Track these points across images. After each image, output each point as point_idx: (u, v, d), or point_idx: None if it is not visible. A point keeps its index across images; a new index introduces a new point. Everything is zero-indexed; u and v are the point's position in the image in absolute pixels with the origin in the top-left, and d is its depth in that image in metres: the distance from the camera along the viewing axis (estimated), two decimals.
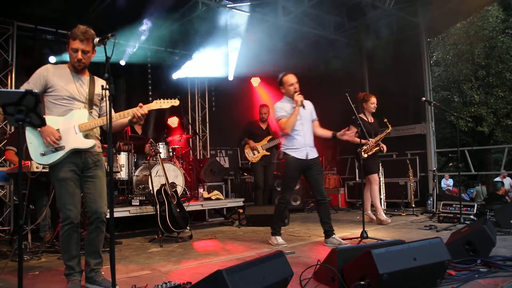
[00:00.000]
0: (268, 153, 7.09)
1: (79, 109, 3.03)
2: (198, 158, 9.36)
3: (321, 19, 8.64)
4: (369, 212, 6.36)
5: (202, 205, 6.52)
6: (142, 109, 3.07)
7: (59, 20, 7.01)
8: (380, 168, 6.55)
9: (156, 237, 5.10)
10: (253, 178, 7.86)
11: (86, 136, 3.04)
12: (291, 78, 4.58)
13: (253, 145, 7.01)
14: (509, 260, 3.27)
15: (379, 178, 6.60)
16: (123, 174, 6.28)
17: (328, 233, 4.52)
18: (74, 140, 2.97)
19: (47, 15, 6.84)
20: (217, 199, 6.84)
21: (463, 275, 2.95)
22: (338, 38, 9.12)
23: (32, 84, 2.95)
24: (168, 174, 5.52)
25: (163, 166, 5.53)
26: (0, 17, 6.63)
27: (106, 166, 3.24)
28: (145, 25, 7.17)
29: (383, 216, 6.05)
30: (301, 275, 2.95)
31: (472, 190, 14.66)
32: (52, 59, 7.17)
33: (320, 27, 8.76)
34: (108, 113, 2.56)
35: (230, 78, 9.33)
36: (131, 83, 8.56)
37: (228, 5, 7.41)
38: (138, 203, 5.71)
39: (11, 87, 6.63)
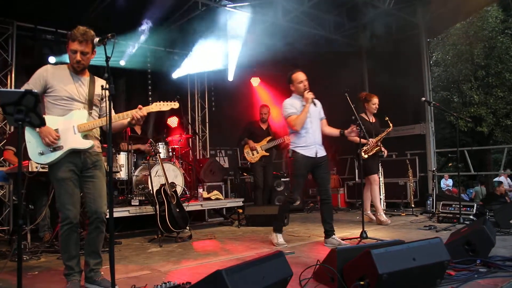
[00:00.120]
0: (268, 154, 7.09)
1: (78, 110, 3.03)
2: (198, 158, 9.35)
3: (320, 19, 8.64)
4: (369, 212, 6.37)
5: (201, 205, 6.52)
6: (141, 111, 3.07)
7: (59, 20, 7.01)
8: (380, 168, 6.55)
9: (156, 237, 5.10)
10: (252, 178, 7.86)
11: (85, 137, 3.04)
12: (300, 76, 4.56)
13: (252, 145, 7.01)
14: (508, 260, 3.27)
15: (379, 178, 6.59)
16: (122, 174, 6.28)
17: (329, 233, 4.51)
18: (73, 140, 2.97)
19: (47, 15, 6.84)
20: (217, 199, 6.84)
21: (463, 275, 2.95)
22: (338, 38, 9.12)
23: (32, 84, 2.95)
24: (167, 174, 5.52)
25: (162, 166, 5.53)
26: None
27: (105, 166, 3.24)
28: (145, 25, 7.17)
29: (383, 216, 6.05)
30: (300, 275, 2.95)
31: (471, 191, 14.67)
32: (52, 59, 7.16)
33: (319, 27, 8.76)
34: (108, 113, 2.56)
35: (230, 78, 9.32)
36: (131, 84, 8.55)
37: (228, 5, 7.42)
38: (137, 203, 5.71)
39: (10, 87, 6.62)
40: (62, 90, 2.99)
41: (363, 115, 6.24)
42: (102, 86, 2.79)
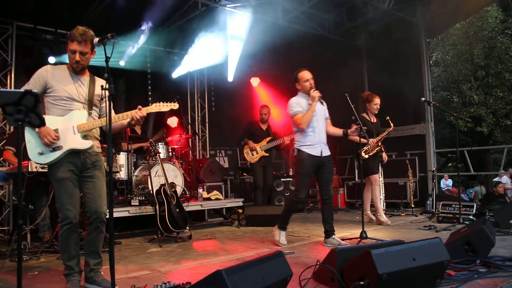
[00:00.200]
0: (267, 154, 7.09)
1: (78, 110, 3.03)
2: (198, 158, 9.35)
3: (320, 19, 8.65)
4: (369, 212, 6.37)
5: (201, 205, 6.52)
6: (141, 112, 3.07)
7: (59, 20, 7.01)
8: (380, 168, 6.55)
9: (156, 237, 5.10)
10: (252, 178, 7.86)
11: (85, 137, 3.04)
12: (306, 74, 4.55)
13: (252, 146, 7.01)
14: (508, 260, 3.27)
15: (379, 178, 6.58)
16: (122, 174, 6.28)
17: (329, 233, 4.51)
18: (72, 141, 2.97)
19: (47, 14, 6.84)
20: (217, 199, 6.84)
21: (463, 275, 2.95)
22: (338, 38, 9.12)
23: (32, 85, 2.96)
24: (167, 174, 5.52)
25: (162, 166, 5.53)
26: None
27: (105, 166, 3.24)
28: (145, 25, 7.17)
29: (383, 217, 6.04)
30: (300, 275, 2.95)
31: (471, 191, 14.67)
32: (51, 59, 7.16)
33: (319, 27, 8.76)
34: (108, 113, 2.56)
35: (230, 79, 9.32)
36: (131, 84, 8.55)
37: (227, 5, 7.42)
38: (137, 203, 5.71)
39: (10, 87, 6.62)
40: (61, 90, 2.99)
41: (365, 115, 6.24)
42: (102, 86, 2.79)
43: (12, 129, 6.41)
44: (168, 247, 4.82)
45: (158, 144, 6.57)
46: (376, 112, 6.26)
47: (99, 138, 3.23)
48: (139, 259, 4.15)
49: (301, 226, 6.15)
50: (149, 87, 8.87)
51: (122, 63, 8.01)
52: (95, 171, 3.09)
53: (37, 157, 2.93)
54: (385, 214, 6.23)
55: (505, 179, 12.40)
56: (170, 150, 7.11)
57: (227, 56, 8.86)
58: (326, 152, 4.55)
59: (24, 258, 4.08)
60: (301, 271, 3.01)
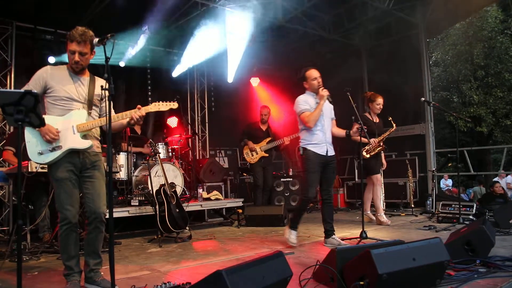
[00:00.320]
0: (267, 155, 7.09)
1: (78, 110, 3.03)
2: (198, 158, 9.36)
3: (320, 19, 8.65)
4: (369, 212, 6.37)
5: (201, 205, 6.51)
6: (140, 111, 3.07)
7: (58, 20, 7.02)
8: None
9: (156, 237, 5.10)
10: (252, 178, 7.86)
11: (84, 137, 3.04)
12: (314, 73, 4.53)
13: (251, 146, 7.01)
14: (508, 260, 3.27)
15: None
16: (122, 174, 6.28)
17: (329, 233, 4.51)
18: (72, 140, 2.97)
19: (46, 15, 6.84)
20: (217, 199, 6.84)
21: (462, 275, 2.95)
22: (337, 38, 9.13)
23: (32, 86, 2.96)
24: (167, 174, 5.51)
25: (162, 166, 5.53)
26: None
27: (105, 166, 3.24)
28: (145, 25, 7.17)
29: (383, 217, 6.04)
30: (300, 275, 2.95)
31: (470, 191, 14.67)
32: (51, 59, 7.17)
33: (319, 27, 8.76)
34: (107, 113, 2.56)
35: (230, 80, 9.32)
36: (131, 84, 8.56)
37: (227, 6, 7.42)
38: (137, 204, 5.71)
39: (10, 87, 6.63)
40: (61, 91, 3.00)
41: (367, 114, 6.23)
42: (101, 86, 2.79)
43: (12, 130, 6.41)
44: (168, 247, 4.81)
45: (158, 144, 6.56)
46: (379, 112, 6.25)
47: (99, 138, 3.23)
48: (139, 259, 4.15)
49: (301, 226, 6.06)
50: (149, 87, 8.88)
51: (122, 64, 8.02)
52: (95, 171, 3.09)
53: (37, 156, 2.93)
54: (385, 214, 6.23)
55: (510, 178, 12.38)
56: (170, 150, 7.11)
57: (227, 56, 8.86)
58: (331, 151, 4.54)
59: (24, 258, 4.09)
60: (301, 271, 3.01)
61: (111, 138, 2.60)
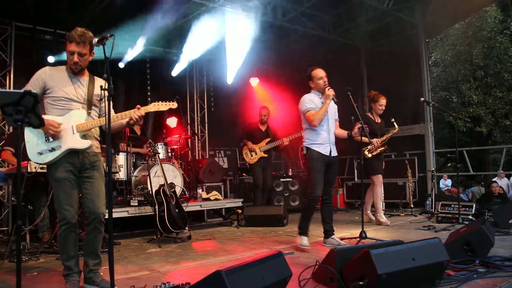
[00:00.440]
0: (266, 155, 7.09)
1: (77, 110, 3.03)
2: (197, 158, 9.35)
3: (319, 19, 8.65)
4: (369, 212, 6.36)
5: (201, 205, 6.51)
6: (140, 111, 3.07)
7: (58, 20, 7.01)
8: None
9: (155, 237, 5.10)
10: (251, 179, 7.86)
11: (84, 137, 3.04)
12: (320, 72, 4.50)
13: (251, 147, 7.02)
14: (507, 260, 3.27)
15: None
16: (121, 175, 6.27)
17: (328, 233, 4.51)
18: (71, 140, 2.97)
19: (46, 15, 6.84)
20: (216, 199, 6.83)
21: (462, 275, 2.95)
22: (337, 38, 9.13)
23: (31, 86, 2.96)
24: (166, 175, 5.51)
25: (161, 166, 5.53)
26: None
27: (104, 167, 3.24)
28: (144, 25, 7.16)
29: (383, 217, 6.03)
30: (300, 276, 2.95)
31: (469, 191, 14.68)
32: (50, 59, 7.16)
33: (318, 27, 8.76)
34: (107, 113, 2.56)
35: (229, 81, 9.32)
36: (130, 84, 8.55)
37: (227, 6, 7.42)
38: (136, 204, 5.70)
39: (9, 88, 6.62)
40: (60, 91, 3.00)
41: (369, 114, 6.23)
42: (101, 87, 2.79)
43: (11, 130, 6.40)
44: (168, 247, 4.81)
45: (157, 145, 6.56)
46: (381, 112, 6.23)
47: (99, 139, 3.24)
48: (139, 260, 4.15)
49: None
50: (148, 87, 8.88)
51: (121, 65, 8.02)
52: (94, 171, 3.09)
53: (36, 156, 2.93)
54: (384, 214, 6.23)
55: (497, 179, 12.39)
56: (169, 151, 7.11)
57: (226, 56, 8.86)
58: (335, 152, 4.52)
59: (23, 259, 4.08)
60: (301, 271, 3.01)
61: (111, 139, 2.59)
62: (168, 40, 8.31)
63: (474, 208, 5.83)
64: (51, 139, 2.94)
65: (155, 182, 5.54)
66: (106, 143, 2.55)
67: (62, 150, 2.94)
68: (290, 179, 8.34)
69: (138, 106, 3.09)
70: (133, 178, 6.35)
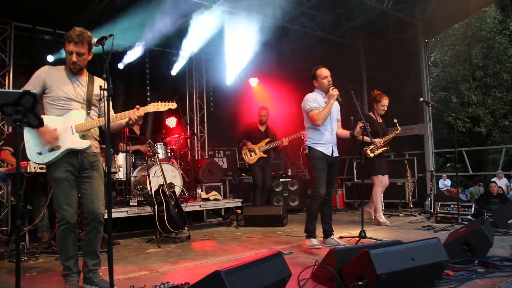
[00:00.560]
0: (265, 155, 7.09)
1: (77, 110, 3.03)
2: (196, 158, 9.35)
3: (319, 19, 8.65)
4: (371, 210, 6.31)
5: (200, 205, 6.51)
6: (139, 112, 3.07)
7: (57, 20, 7.01)
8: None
9: (154, 237, 5.10)
10: (251, 179, 7.86)
11: (83, 137, 3.04)
12: (324, 71, 4.48)
13: (250, 147, 7.02)
14: (506, 260, 3.28)
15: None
16: (121, 175, 6.27)
17: (328, 233, 4.51)
18: (71, 140, 2.97)
19: (45, 15, 6.83)
20: (215, 199, 6.83)
21: (461, 275, 2.95)
22: (336, 38, 9.14)
23: (31, 86, 2.97)
24: (166, 175, 5.51)
25: (161, 166, 5.53)
26: None
27: (104, 167, 3.24)
28: (144, 25, 7.16)
29: (382, 218, 6.02)
30: (299, 276, 2.95)
31: (468, 191, 14.70)
32: (50, 58, 7.15)
33: (318, 27, 8.77)
34: (106, 113, 2.56)
35: (229, 82, 9.31)
36: (130, 85, 8.55)
37: (227, 6, 7.41)
38: (136, 204, 5.70)
39: (8, 88, 6.62)
40: (59, 91, 3.00)
41: (371, 114, 6.22)
42: (100, 87, 2.79)
43: (10, 129, 6.40)
44: (167, 247, 4.81)
45: (156, 145, 6.56)
46: (383, 113, 6.21)
47: (98, 139, 3.23)
48: (138, 260, 4.15)
49: (299, 227, 6.13)
50: (148, 88, 8.87)
51: (121, 66, 8.02)
52: (93, 171, 3.08)
53: (36, 157, 2.93)
54: (383, 214, 6.23)
55: (496, 179, 12.39)
56: (168, 151, 7.10)
57: (226, 56, 8.86)
58: (336, 152, 4.51)
59: (23, 259, 4.07)
60: (300, 271, 3.01)
61: (110, 139, 2.59)
62: (167, 40, 8.29)
63: (473, 208, 5.83)
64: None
65: (154, 182, 5.54)
66: (106, 143, 2.55)
67: (61, 150, 2.94)
68: (290, 179, 8.34)
69: (138, 106, 3.08)
70: (132, 178, 6.34)
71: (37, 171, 4.21)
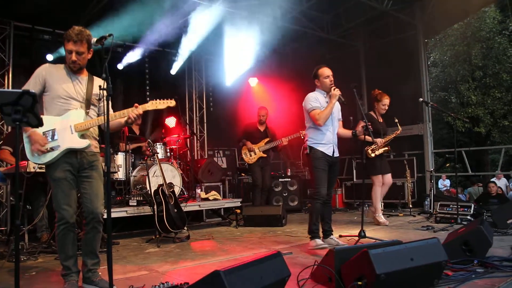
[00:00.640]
0: (265, 155, 7.09)
1: (75, 109, 3.03)
2: (196, 158, 9.35)
3: (318, 19, 8.65)
4: (373, 209, 6.30)
5: (199, 205, 6.51)
6: (137, 110, 3.06)
7: (56, 20, 7.00)
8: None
9: (154, 237, 5.10)
10: (250, 179, 7.85)
11: (82, 136, 3.03)
12: (326, 71, 4.46)
13: (250, 147, 7.03)
14: (505, 260, 3.28)
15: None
16: (120, 175, 6.27)
17: (327, 233, 4.51)
18: (70, 140, 2.97)
19: (44, 15, 6.83)
20: (215, 199, 6.83)
21: (460, 276, 2.96)
22: (336, 38, 9.14)
23: (32, 84, 2.97)
24: (165, 175, 5.51)
25: (160, 166, 5.53)
26: None
27: (103, 166, 3.24)
28: (143, 25, 7.16)
29: (381, 218, 6.02)
30: (298, 276, 2.96)
31: (467, 191, 14.71)
32: (49, 57, 7.15)
33: (317, 27, 8.77)
34: (105, 113, 2.56)
35: (228, 83, 9.31)
36: (129, 85, 8.54)
37: (226, 6, 7.41)
38: (135, 204, 5.70)
39: (8, 87, 6.62)
40: (59, 89, 3.00)
41: (372, 113, 6.21)
42: (100, 86, 2.78)
43: (10, 129, 6.40)
44: (166, 247, 4.81)
45: (156, 145, 6.55)
46: (384, 112, 6.20)
47: (97, 138, 3.23)
48: (137, 260, 4.14)
49: (299, 227, 6.14)
50: (147, 87, 8.87)
51: (120, 67, 8.01)
52: (92, 171, 3.08)
53: (35, 156, 2.93)
54: (383, 214, 6.23)
55: (495, 180, 12.40)
56: (168, 151, 7.10)
57: (225, 56, 8.86)
58: (337, 153, 4.50)
59: (22, 259, 4.07)
60: (299, 271, 3.01)
61: (109, 138, 2.59)
62: (167, 40, 8.29)
63: (472, 209, 5.83)
64: (49, 139, 2.94)
65: (153, 182, 5.54)
66: (105, 142, 2.55)
67: (60, 150, 2.94)
68: (289, 179, 8.35)
69: (136, 104, 3.08)
70: (131, 178, 6.34)
71: (36, 171, 4.21)
